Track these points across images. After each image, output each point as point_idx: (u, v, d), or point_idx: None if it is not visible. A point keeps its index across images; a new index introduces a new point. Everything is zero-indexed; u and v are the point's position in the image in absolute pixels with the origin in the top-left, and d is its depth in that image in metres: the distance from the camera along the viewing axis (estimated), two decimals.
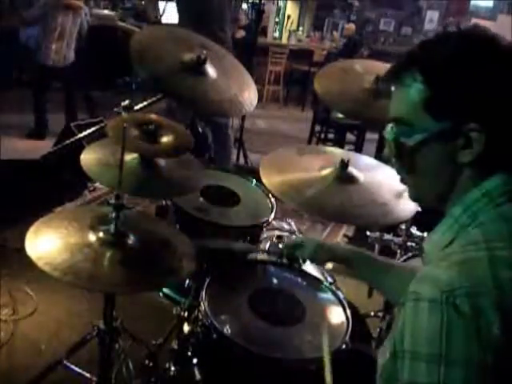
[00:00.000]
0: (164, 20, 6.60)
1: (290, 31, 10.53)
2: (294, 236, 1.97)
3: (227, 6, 3.70)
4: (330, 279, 1.72)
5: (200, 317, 1.42)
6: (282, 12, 10.97)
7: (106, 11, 7.40)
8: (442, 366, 0.73)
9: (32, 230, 1.36)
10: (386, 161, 0.92)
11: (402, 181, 0.95)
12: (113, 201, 1.37)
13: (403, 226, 3.03)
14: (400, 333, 0.79)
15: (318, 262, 1.51)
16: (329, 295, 1.55)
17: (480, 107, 0.81)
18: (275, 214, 1.82)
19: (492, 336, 0.71)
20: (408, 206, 1.61)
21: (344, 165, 1.64)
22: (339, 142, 5.68)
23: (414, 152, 0.87)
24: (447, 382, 0.72)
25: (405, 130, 0.87)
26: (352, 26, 9.11)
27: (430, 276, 0.78)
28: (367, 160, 1.87)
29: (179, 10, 3.66)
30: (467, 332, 0.72)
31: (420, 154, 0.86)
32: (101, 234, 1.36)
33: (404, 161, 0.90)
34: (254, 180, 1.96)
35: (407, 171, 0.91)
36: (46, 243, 1.33)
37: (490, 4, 9.82)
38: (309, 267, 1.72)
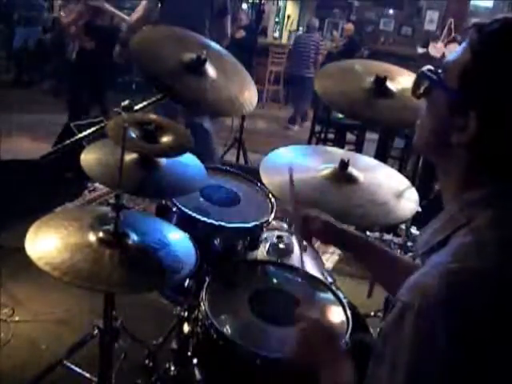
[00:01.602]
0: None
1: (290, 31, 10.54)
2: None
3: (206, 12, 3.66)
4: (329, 279, 1.72)
5: (200, 317, 1.42)
6: (282, 12, 10.98)
7: None
8: (422, 377, 0.73)
9: (32, 229, 1.36)
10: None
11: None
12: (113, 201, 1.37)
13: (403, 226, 3.03)
14: (384, 337, 0.80)
15: (324, 240, 1.44)
16: (329, 295, 1.55)
17: (495, 101, 0.80)
18: (275, 213, 1.82)
19: (480, 349, 0.71)
20: (408, 206, 1.61)
21: (344, 165, 1.64)
22: (339, 142, 5.69)
23: (429, 94, 0.91)
24: None
25: (440, 76, 0.90)
26: (351, 26, 9.10)
27: (420, 285, 0.77)
28: (367, 160, 1.87)
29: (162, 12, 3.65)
30: (454, 345, 0.72)
31: (432, 100, 0.90)
32: (101, 234, 1.36)
33: (421, 93, 0.93)
34: (255, 180, 1.96)
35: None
36: (46, 243, 1.33)
37: (490, 4, 9.82)
38: (309, 267, 1.72)
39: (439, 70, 0.90)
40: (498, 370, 0.72)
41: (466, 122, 0.82)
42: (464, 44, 0.87)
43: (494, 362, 0.72)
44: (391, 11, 10.71)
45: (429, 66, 0.93)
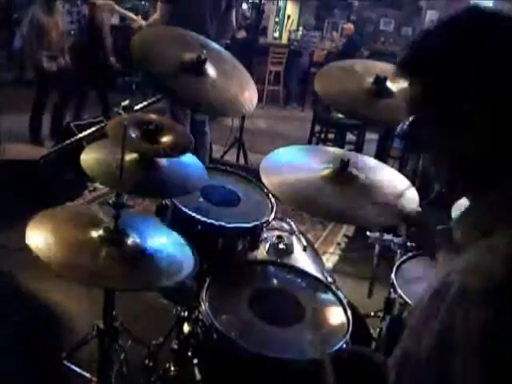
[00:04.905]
0: None
1: (289, 31, 10.53)
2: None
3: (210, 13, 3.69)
4: (329, 279, 1.72)
5: (200, 317, 1.42)
6: (281, 12, 10.98)
7: None
8: (494, 362, 0.69)
9: (33, 223, 1.36)
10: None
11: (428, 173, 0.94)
12: (113, 200, 1.37)
13: (403, 226, 3.03)
14: (444, 323, 0.73)
15: None
16: (329, 295, 1.55)
17: (474, 86, 0.79)
18: (275, 213, 1.82)
19: None
20: (408, 206, 1.61)
21: (344, 165, 1.64)
22: (339, 142, 5.69)
23: (420, 135, 0.89)
24: (498, 378, 0.69)
25: (414, 120, 0.89)
26: (350, 26, 9.10)
27: (479, 267, 0.74)
28: (367, 160, 1.87)
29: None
30: None
31: (427, 138, 0.88)
32: (100, 232, 1.37)
33: (415, 145, 0.95)
34: (254, 180, 1.96)
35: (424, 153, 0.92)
36: (46, 237, 1.33)
37: (490, 4, 9.82)
38: (309, 267, 1.72)
39: None
40: None
41: (467, 119, 0.80)
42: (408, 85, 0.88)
43: None
44: (391, 11, 10.71)
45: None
